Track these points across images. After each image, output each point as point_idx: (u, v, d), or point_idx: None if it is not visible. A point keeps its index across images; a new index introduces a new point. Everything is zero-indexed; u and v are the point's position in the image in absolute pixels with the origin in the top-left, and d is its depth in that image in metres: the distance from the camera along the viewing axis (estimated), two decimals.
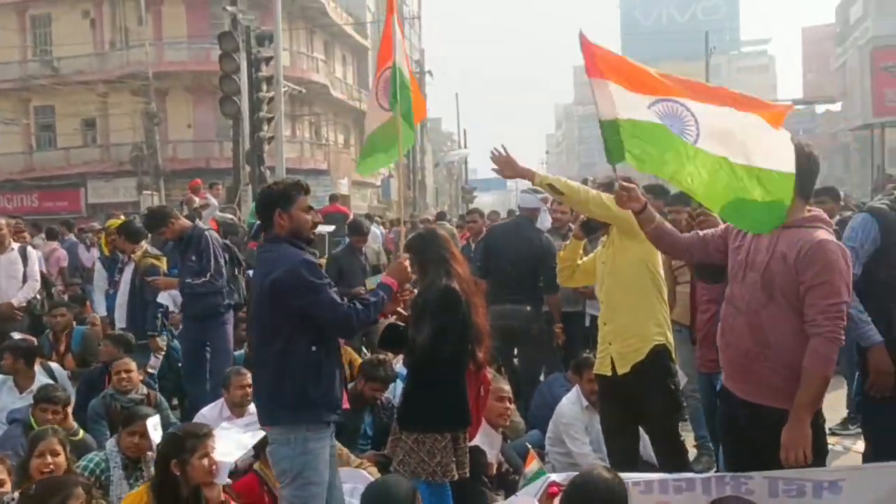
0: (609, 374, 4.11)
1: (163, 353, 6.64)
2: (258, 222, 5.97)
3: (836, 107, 47.49)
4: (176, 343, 7.34)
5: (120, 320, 6.98)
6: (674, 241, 3.46)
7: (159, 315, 6.59)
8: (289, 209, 3.47)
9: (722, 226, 3.38)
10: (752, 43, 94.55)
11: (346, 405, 3.75)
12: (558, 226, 6.68)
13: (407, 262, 3.79)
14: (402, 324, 3.92)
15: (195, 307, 6.16)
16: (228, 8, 14.91)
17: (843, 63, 47.57)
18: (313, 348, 3.43)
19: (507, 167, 4.04)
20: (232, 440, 4.53)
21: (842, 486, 3.03)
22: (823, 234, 3.04)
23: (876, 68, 29.54)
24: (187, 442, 3.64)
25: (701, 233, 3.46)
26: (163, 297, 6.55)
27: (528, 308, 6.13)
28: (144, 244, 6.91)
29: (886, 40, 34.75)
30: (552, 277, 6.24)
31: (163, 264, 6.78)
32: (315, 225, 3.68)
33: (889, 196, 3.62)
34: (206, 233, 6.15)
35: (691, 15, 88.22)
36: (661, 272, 4.15)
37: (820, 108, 52.86)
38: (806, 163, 3.10)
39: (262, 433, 4.45)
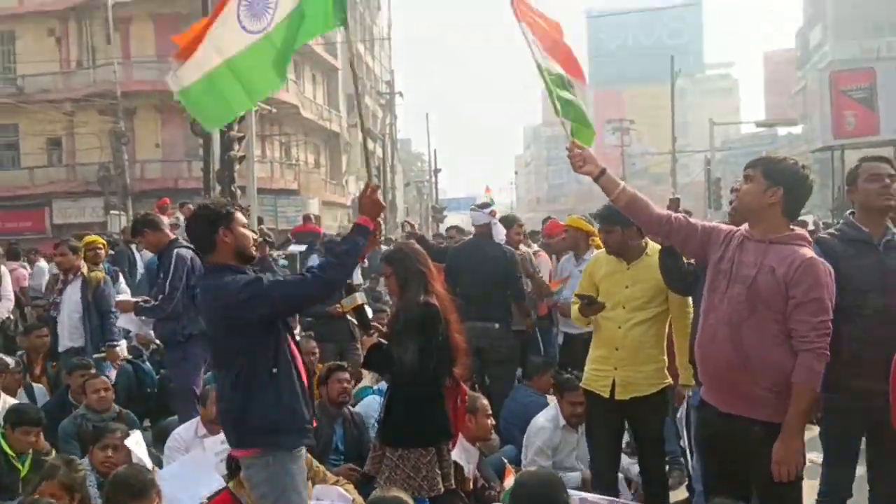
0: (607, 396, 4.22)
1: (119, 362, 6.38)
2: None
3: (798, 129, 48.55)
4: (147, 366, 7.24)
5: (65, 338, 6.52)
6: (650, 213, 3.35)
7: (117, 325, 6.34)
8: (231, 225, 3.32)
9: (708, 226, 3.37)
10: (715, 66, 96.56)
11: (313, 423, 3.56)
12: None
13: (376, 195, 3.38)
14: (386, 342, 3.80)
15: (156, 330, 5.92)
16: None
17: (804, 87, 48.60)
18: (274, 370, 3.24)
19: None
20: (194, 474, 4.28)
21: None
22: (810, 252, 3.14)
23: (835, 92, 30.21)
24: (120, 498, 3.45)
25: (691, 219, 3.39)
26: (123, 321, 6.16)
27: (497, 326, 6.18)
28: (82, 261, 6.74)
29: (844, 64, 35.72)
30: (518, 289, 6.40)
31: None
32: (257, 241, 3.48)
33: (837, 225, 3.83)
34: (177, 251, 5.64)
35: (657, 38, 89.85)
36: None
37: (782, 131, 54.04)
38: (801, 185, 3.18)
39: (219, 481, 4.24)
